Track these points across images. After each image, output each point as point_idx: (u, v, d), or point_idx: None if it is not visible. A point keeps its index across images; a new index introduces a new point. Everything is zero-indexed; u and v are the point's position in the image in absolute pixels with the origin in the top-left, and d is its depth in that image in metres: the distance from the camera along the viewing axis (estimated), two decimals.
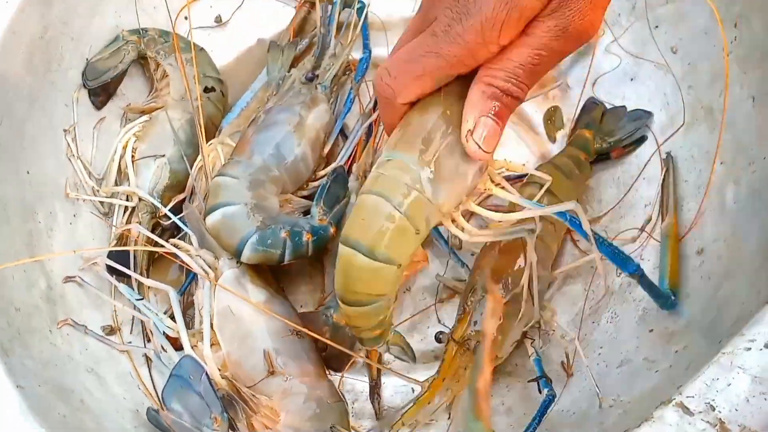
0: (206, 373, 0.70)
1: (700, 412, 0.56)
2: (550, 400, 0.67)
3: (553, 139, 0.91)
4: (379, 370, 0.80)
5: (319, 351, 0.79)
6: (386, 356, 0.82)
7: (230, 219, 0.78)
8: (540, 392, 0.70)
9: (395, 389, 0.81)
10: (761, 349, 0.57)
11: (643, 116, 0.86)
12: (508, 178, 0.81)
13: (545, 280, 0.78)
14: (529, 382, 0.71)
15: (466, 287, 0.77)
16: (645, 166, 0.84)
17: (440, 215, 0.61)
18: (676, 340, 0.70)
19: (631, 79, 0.89)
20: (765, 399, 0.56)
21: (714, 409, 0.56)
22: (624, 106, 0.88)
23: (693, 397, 0.57)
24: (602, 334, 0.79)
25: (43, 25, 0.81)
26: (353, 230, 0.59)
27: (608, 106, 0.90)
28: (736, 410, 0.55)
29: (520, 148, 0.92)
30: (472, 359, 0.72)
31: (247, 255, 0.77)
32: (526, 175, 0.85)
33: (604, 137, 0.87)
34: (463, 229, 0.64)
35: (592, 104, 0.91)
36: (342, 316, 0.74)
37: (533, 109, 0.94)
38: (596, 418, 0.69)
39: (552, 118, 0.92)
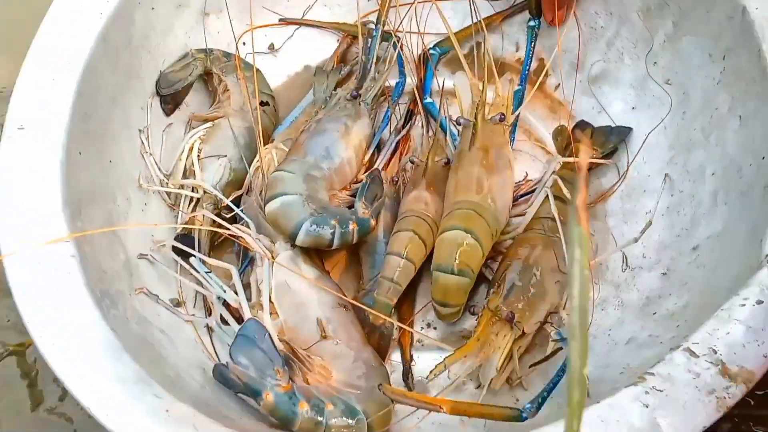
0: (269, 333, 0.80)
1: (704, 354, 0.67)
2: None
3: (561, 152, 1.04)
4: (411, 354, 0.91)
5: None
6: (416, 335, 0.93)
7: (287, 206, 0.88)
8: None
9: (426, 365, 0.91)
10: (753, 305, 0.69)
11: (624, 131, 1.02)
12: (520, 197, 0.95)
13: (562, 276, 0.89)
14: (552, 341, 0.82)
15: (498, 270, 0.88)
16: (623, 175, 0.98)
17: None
18: (677, 317, 0.81)
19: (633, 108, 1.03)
20: (758, 345, 0.67)
21: (716, 353, 0.67)
22: (609, 126, 1.03)
23: (698, 343, 0.68)
24: (610, 319, 0.90)
25: (128, 37, 0.93)
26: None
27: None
28: (734, 354, 0.67)
29: (536, 164, 1.05)
30: (504, 328, 0.83)
31: (301, 238, 0.88)
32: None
33: (596, 149, 1.00)
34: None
35: (582, 124, 1.06)
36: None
37: (544, 129, 1.08)
38: (607, 382, 0.80)
39: (560, 135, 1.05)
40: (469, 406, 0.74)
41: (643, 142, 0.98)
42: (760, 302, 0.69)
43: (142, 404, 0.67)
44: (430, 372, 0.82)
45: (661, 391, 0.66)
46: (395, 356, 0.92)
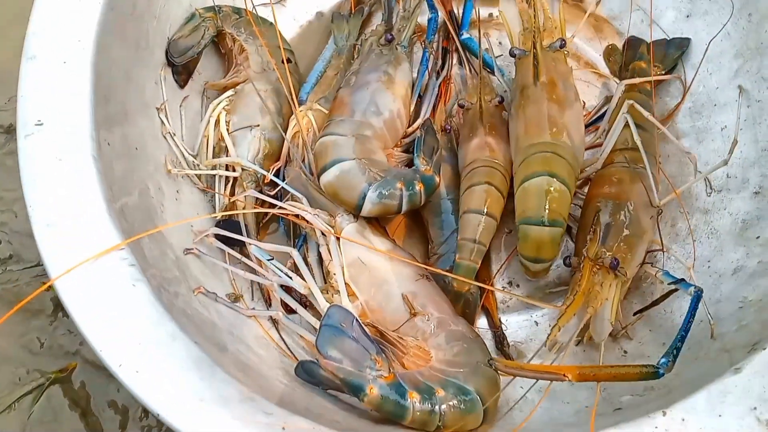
0: (356, 319, 0.71)
1: None
2: (698, 295, 0.70)
3: (616, 74, 0.96)
4: (499, 318, 0.83)
5: None
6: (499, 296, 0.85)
7: (347, 174, 0.79)
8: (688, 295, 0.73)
9: (517, 325, 0.84)
10: None
11: (683, 42, 0.94)
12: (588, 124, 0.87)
13: (656, 210, 0.81)
14: (668, 285, 0.74)
15: (586, 215, 0.80)
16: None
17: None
18: None
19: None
20: None
21: None
22: (665, 38, 0.95)
23: None
24: (706, 249, 0.83)
25: (132, 2, 0.81)
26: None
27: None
28: None
29: (591, 90, 0.96)
30: (606, 276, 0.75)
31: (368, 208, 0.78)
32: (601, 116, 0.90)
33: (657, 65, 0.92)
34: None
35: (634, 41, 0.98)
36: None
37: (593, 51, 0.99)
38: (730, 319, 0.73)
39: (612, 55, 0.97)
40: (598, 370, 0.66)
41: (705, 53, 0.90)
42: None
43: (256, 427, 0.58)
44: (547, 338, 0.74)
45: None
46: (481, 323, 0.84)
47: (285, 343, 0.79)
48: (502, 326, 0.83)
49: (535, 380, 0.70)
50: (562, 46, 0.86)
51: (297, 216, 0.80)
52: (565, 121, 0.81)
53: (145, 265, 0.66)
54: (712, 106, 0.90)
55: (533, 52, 0.85)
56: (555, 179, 0.77)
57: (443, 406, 0.68)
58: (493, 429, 0.71)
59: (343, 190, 0.79)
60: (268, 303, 0.82)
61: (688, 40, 0.93)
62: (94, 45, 0.73)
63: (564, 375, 0.63)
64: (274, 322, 0.80)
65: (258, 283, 0.82)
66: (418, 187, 0.80)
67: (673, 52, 0.92)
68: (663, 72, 0.91)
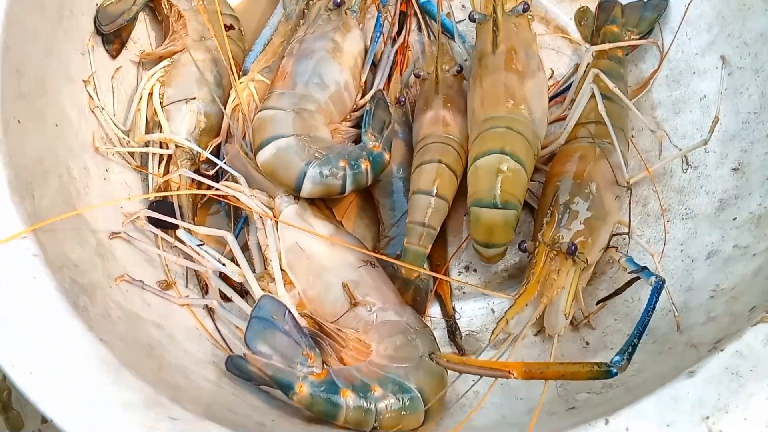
0: (289, 311, 0.65)
1: None
2: (659, 286, 0.64)
3: (588, 39, 0.88)
4: (453, 306, 0.77)
5: None
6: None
7: (285, 152, 0.73)
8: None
9: (473, 313, 0.78)
10: None
11: (660, 4, 0.87)
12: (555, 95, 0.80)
13: (623, 190, 0.75)
14: (629, 273, 0.68)
15: (545, 194, 0.74)
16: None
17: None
18: (765, 221, 0.68)
19: None
20: None
21: None
22: (640, 0, 0.88)
23: None
24: (680, 231, 0.76)
25: None
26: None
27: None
28: None
29: (561, 59, 0.89)
30: (564, 263, 0.69)
31: (308, 189, 0.72)
32: (568, 87, 0.83)
33: (631, 30, 0.85)
34: None
35: (608, 3, 0.91)
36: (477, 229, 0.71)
37: (564, 14, 0.92)
38: (699, 310, 0.67)
39: (584, 18, 0.90)
40: (545, 368, 0.59)
41: (684, 15, 0.83)
42: None
43: None
44: (492, 333, 0.68)
45: None
46: (434, 311, 0.78)
47: (221, 334, 0.73)
48: (456, 315, 0.77)
49: (479, 376, 0.64)
50: (526, 9, 0.79)
51: (230, 197, 0.73)
52: (525, 92, 0.74)
53: (52, 256, 0.61)
54: (690, 73, 0.83)
55: (493, 17, 0.78)
56: (509, 157, 0.70)
57: (380, 405, 0.63)
58: (438, 428, 0.66)
59: (280, 169, 0.73)
60: (204, 291, 0.76)
61: (665, 1, 0.85)
62: (3, 15, 0.67)
63: (509, 372, 0.58)
64: (209, 311, 0.74)
65: (194, 269, 0.76)
66: (364, 165, 0.74)
67: (649, 15, 0.85)
68: (638, 37, 0.84)
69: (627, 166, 0.76)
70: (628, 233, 0.72)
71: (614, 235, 0.74)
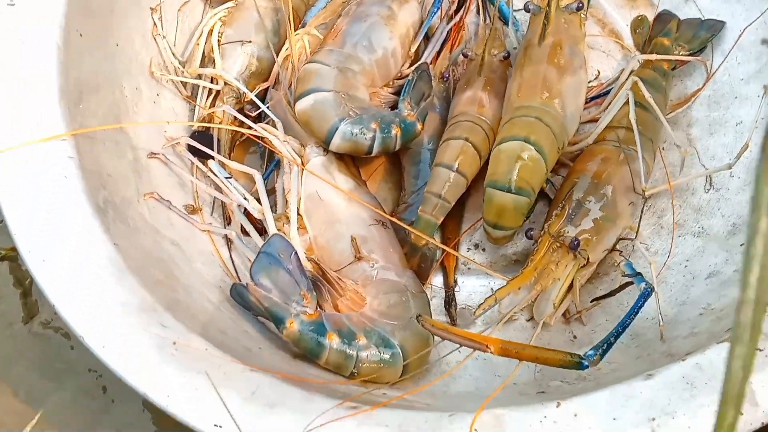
0: (295, 252, 0.69)
1: None
2: (647, 293, 0.66)
3: (639, 47, 0.90)
4: (455, 279, 0.80)
5: None
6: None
7: (321, 105, 0.76)
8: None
9: (473, 289, 0.80)
10: None
11: (716, 25, 0.87)
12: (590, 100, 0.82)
13: (639, 197, 0.76)
14: (623, 276, 0.70)
15: (563, 188, 0.76)
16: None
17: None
18: None
19: None
20: None
21: None
22: (699, 18, 0.88)
23: None
24: (689, 248, 0.78)
25: None
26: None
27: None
28: None
29: (610, 62, 0.91)
30: (566, 257, 0.71)
31: (336, 143, 0.76)
32: (610, 90, 0.85)
33: (682, 45, 0.86)
34: None
35: (666, 15, 0.91)
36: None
37: (621, 20, 0.93)
38: (686, 324, 0.69)
39: (640, 27, 0.91)
40: (521, 348, 0.62)
41: (738, 39, 0.84)
42: None
43: (146, 336, 0.57)
44: (479, 306, 0.71)
45: (761, 350, 0.55)
46: (437, 280, 0.81)
47: (233, 263, 0.78)
48: (456, 287, 0.80)
49: (459, 345, 0.67)
50: (580, 8, 0.81)
51: (265, 139, 0.78)
52: (562, 87, 0.76)
53: (88, 161, 0.66)
54: (732, 97, 0.83)
55: (546, 10, 0.80)
56: (532, 147, 0.72)
57: (361, 354, 0.66)
58: (413, 387, 0.69)
59: (315, 120, 0.76)
60: (227, 222, 0.81)
61: (722, 23, 0.86)
62: None
63: (486, 346, 0.61)
64: (227, 241, 0.79)
65: (221, 201, 0.80)
66: (395, 131, 0.77)
67: (703, 34, 0.86)
68: (687, 53, 0.85)
69: (649, 176, 0.78)
70: (632, 239, 0.74)
71: (622, 239, 0.76)
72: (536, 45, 0.79)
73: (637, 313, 0.66)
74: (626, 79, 0.79)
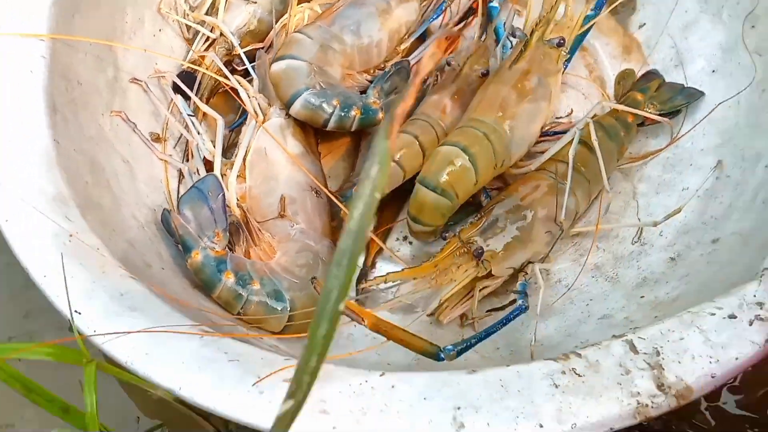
0: (223, 194, 0.75)
1: (646, 353, 0.58)
2: (521, 309, 0.70)
3: (617, 97, 0.92)
4: (375, 255, 0.85)
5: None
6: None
7: (293, 71, 0.82)
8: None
9: None
10: (723, 318, 0.59)
11: (695, 94, 0.89)
12: (552, 134, 0.85)
13: (558, 228, 0.80)
14: (512, 292, 0.74)
15: (490, 202, 0.80)
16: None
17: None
18: (661, 308, 0.71)
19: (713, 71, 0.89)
20: (710, 362, 0.57)
21: (659, 354, 0.57)
22: (681, 84, 0.90)
23: (644, 339, 0.58)
24: (596, 290, 0.80)
25: None
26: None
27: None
28: (679, 363, 0.57)
29: (586, 105, 0.93)
30: (467, 262, 0.75)
31: (296, 108, 0.81)
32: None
33: (655, 104, 0.88)
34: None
35: (652, 74, 0.94)
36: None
37: (610, 69, 0.96)
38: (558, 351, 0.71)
39: (623, 79, 0.93)
40: (390, 328, 0.66)
41: (710, 113, 0.86)
42: (732, 317, 0.59)
43: (49, 222, 0.62)
44: (368, 281, 0.75)
45: (580, 376, 0.58)
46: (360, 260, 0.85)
47: (179, 195, 0.84)
48: (373, 268, 0.84)
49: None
50: (560, 45, 0.84)
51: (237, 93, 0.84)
52: (517, 111, 0.80)
53: (60, 65, 0.73)
54: (688, 164, 0.85)
55: (526, 39, 0.84)
56: (467, 156, 0.76)
57: (251, 297, 0.71)
58: (297, 342, 0.74)
59: (283, 83, 0.82)
60: (186, 159, 0.87)
61: (701, 93, 0.88)
62: None
63: (362, 318, 0.65)
64: (180, 174, 0.85)
65: (186, 139, 0.86)
66: (354, 112, 0.82)
67: (679, 99, 0.88)
68: (657, 113, 0.87)
69: (578, 214, 0.81)
70: (534, 261, 0.77)
71: (530, 262, 0.79)
72: (507, 67, 0.83)
73: (505, 324, 0.70)
74: (583, 119, 0.82)
